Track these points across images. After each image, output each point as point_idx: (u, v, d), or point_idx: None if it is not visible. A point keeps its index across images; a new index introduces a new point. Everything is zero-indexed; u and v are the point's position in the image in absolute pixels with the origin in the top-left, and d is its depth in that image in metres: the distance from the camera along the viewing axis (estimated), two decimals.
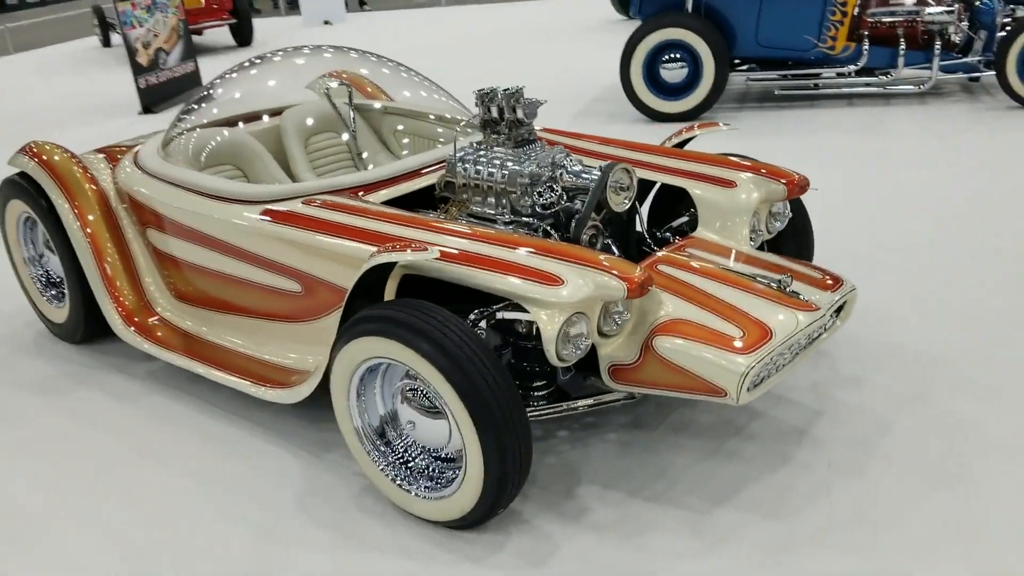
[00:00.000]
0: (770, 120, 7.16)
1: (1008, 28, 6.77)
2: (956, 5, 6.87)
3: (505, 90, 3.19)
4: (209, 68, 10.83)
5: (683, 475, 2.87)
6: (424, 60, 10.87)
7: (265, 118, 4.35)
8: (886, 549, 2.48)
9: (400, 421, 2.78)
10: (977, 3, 6.86)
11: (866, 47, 7.02)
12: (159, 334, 3.72)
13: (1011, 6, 7.13)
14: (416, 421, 2.67)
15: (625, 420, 3.18)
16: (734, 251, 3.03)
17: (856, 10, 7.03)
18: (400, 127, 4.49)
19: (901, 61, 6.96)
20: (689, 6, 7.18)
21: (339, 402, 2.80)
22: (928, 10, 6.88)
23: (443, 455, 2.72)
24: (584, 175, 3.11)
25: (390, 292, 2.76)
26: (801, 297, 2.73)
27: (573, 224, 3.04)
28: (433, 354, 2.43)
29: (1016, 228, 4.63)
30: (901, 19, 7.00)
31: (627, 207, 3.11)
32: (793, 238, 3.43)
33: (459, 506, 2.60)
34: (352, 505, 2.88)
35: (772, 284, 2.76)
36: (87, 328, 4.05)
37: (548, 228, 3.10)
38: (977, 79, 7.41)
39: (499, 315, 2.65)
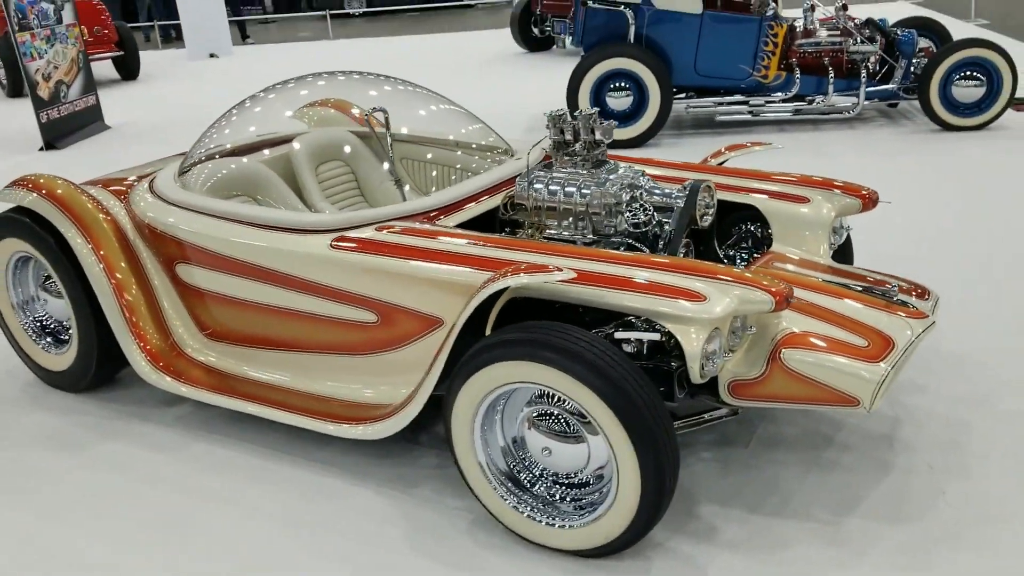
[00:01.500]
0: (709, 145, 7.39)
1: (925, 57, 7.27)
2: (879, 37, 7.34)
3: (581, 112, 3.18)
4: (104, 103, 10.29)
5: (794, 488, 2.90)
6: None
7: (266, 149, 4.19)
8: (1018, 545, 2.58)
9: (528, 449, 2.69)
10: (897, 35, 7.33)
11: (797, 76, 7.37)
12: (194, 375, 3.48)
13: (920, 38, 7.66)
14: (552, 447, 2.60)
15: (712, 438, 3.19)
16: (822, 264, 3.11)
17: (785, 41, 7.39)
18: (407, 156, 4.40)
19: (831, 88, 7.35)
20: (631, 37, 7.36)
21: (462, 435, 2.68)
22: (852, 42, 7.30)
23: (578, 480, 2.65)
24: (667, 194, 3.13)
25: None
26: (910, 305, 2.82)
27: (663, 242, 3.05)
28: (587, 375, 2.38)
29: (1008, 232, 4.95)
30: (825, 49, 7.40)
31: (708, 224, 3.15)
32: (840, 249, 3.54)
33: (604, 532, 2.54)
34: (467, 540, 2.77)
35: (879, 294, 2.84)
36: (97, 375, 3.76)
37: (634, 247, 3.09)
38: (895, 104, 7.90)
39: (632, 334, 2.61)
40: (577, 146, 3.20)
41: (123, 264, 3.55)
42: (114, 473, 3.27)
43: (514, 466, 2.72)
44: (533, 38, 13.05)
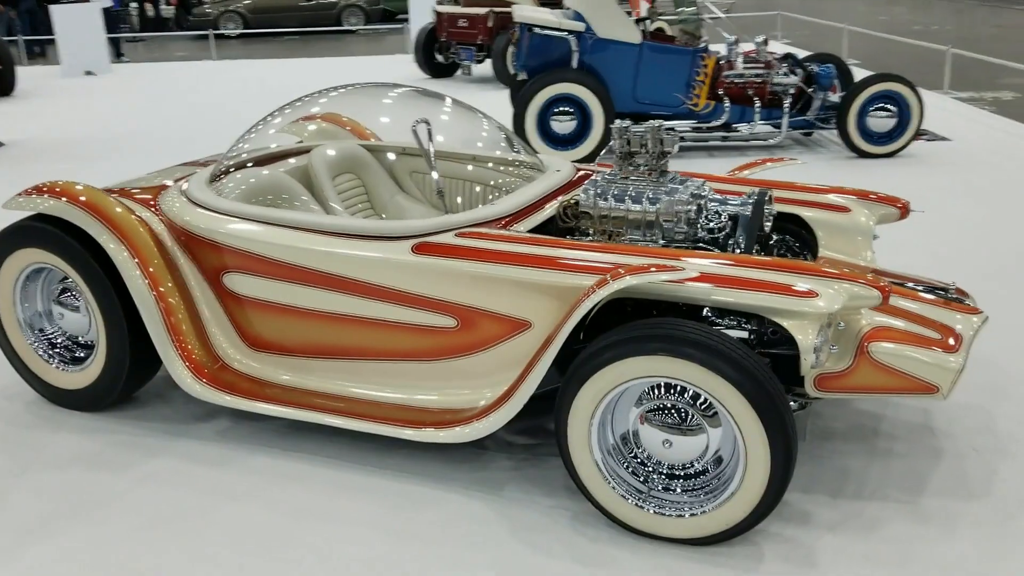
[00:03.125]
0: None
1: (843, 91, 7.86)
2: (798, 71, 7.87)
3: (649, 124, 3.33)
4: None
5: (864, 475, 3.11)
6: (214, 113, 10.53)
7: (286, 159, 4.15)
8: None
9: (643, 444, 2.78)
10: (815, 69, 7.87)
11: (727, 105, 7.80)
12: (244, 387, 3.39)
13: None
14: (672, 440, 2.70)
15: None
16: (869, 268, 3.35)
17: (713, 73, 7.83)
18: (416, 170, 4.43)
19: (757, 117, 7.81)
20: (574, 63, 7.61)
21: (578, 431, 2.75)
22: (776, 76, 7.80)
23: (693, 471, 2.76)
24: (731, 203, 3.31)
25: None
26: (967, 302, 3.10)
27: (734, 249, 3.22)
28: (726, 368, 2.51)
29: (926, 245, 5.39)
30: (750, 81, 7.87)
31: (768, 230, 3.36)
32: None
33: (725, 519, 2.66)
34: (579, 537, 2.83)
35: (938, 293, 3.11)
36: (123, 390, 3.59)
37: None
38: (810, 133, 8.46)
39: (744, 330, 2.76)
40: (642, 156, 3.34)
41: (164, 273, 3.43)
42: (179, 489, 3.15)
43: (624, 461, 2.81)
44: (436, 64, 13.16)
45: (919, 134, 7.79)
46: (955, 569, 2.65)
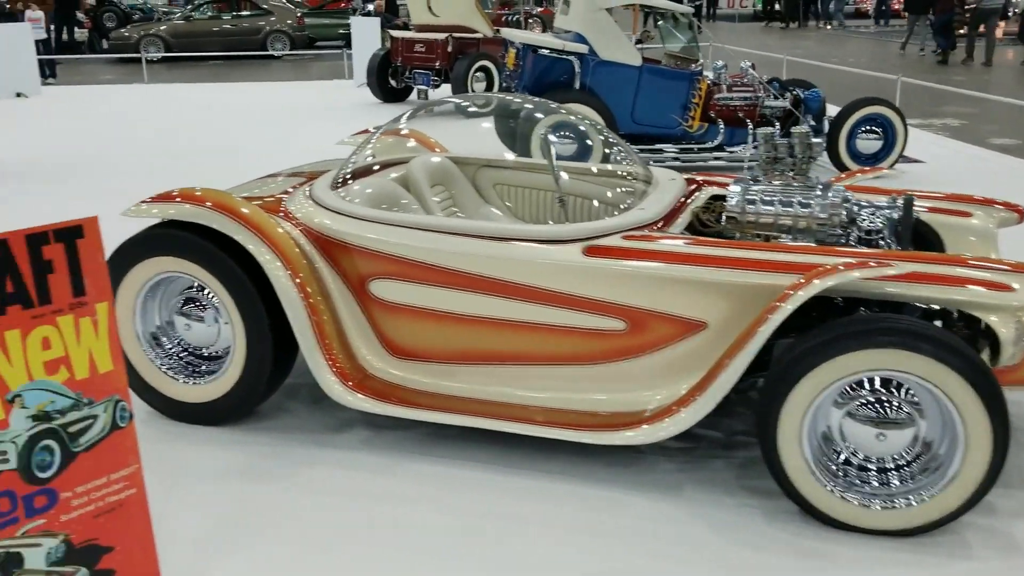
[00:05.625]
0: None
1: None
2: (787, 94, 8.18)
3: (795, 130, 3.43)
4: None
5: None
6: (158, 134, 10.24)
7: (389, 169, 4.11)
8: None
9: (847, 438, 2.84)
10: (805, 94, 8.19)
11: (722, 127, 8.04)
12: (396, 394, 3.31)
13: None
14: (887, 434, 2.77)
15: None
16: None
17: (706, 95, 8.07)
18: (500, 182, 4.44)
19: (750, 139, 8.07)
20: (577, 84, 7.72)
21: (789, 430, 2.79)
22: (767, 100, 8.08)
23: (904, 462, 2.84)
24: (878, 206, 3.44)
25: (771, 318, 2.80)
26: None
27: (890, 249, 3.34)
28: (954, 359, 2.61)
29: None
30: (740, 104, 8.14)
31: None
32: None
33: (939, 508, 2.75)
34: (779, 532, 2.88)
35: None
36: (255, 402, 3.47)
37: None
38: None
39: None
40: (789, 162, 3.44)
41: (311, 280, 3.33)
42: (351, 497, 3.06)
43: (829, 456, 2.87)
44: (389, 88, 13.10)
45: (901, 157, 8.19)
46: None
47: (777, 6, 30.12)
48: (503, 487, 3.12)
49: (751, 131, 8.05)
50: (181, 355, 3.57)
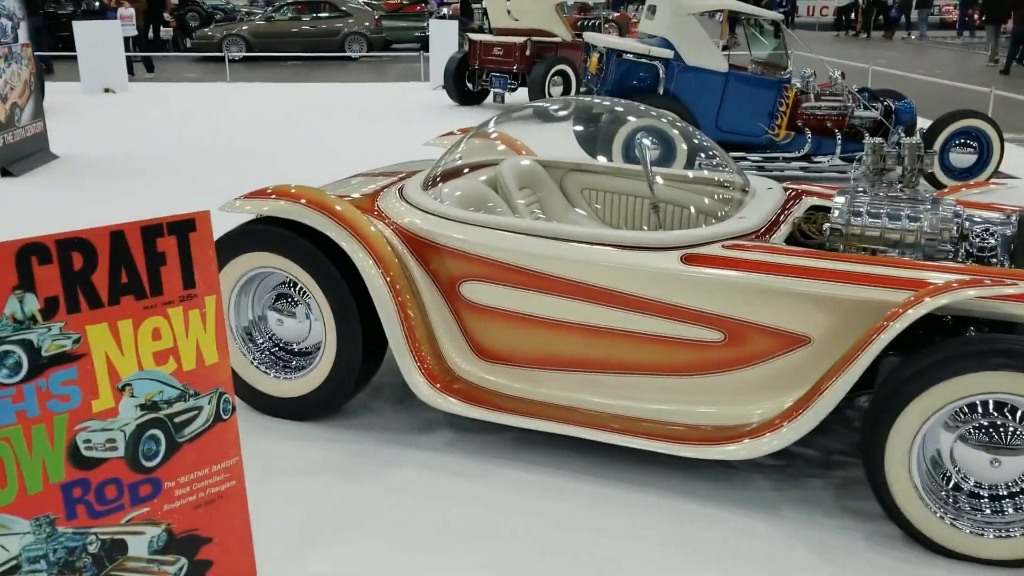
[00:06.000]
0: None
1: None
2: (878, 104, 7.97)
3: (905, 140, 3.31)
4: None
5: None
6: (246, 131, 10.41)
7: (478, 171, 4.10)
8: None
9: (958, 463, 2.72)
10: (897, 105, 7.97)
11: (809, 136, 7.86)
12: (483, 397, 3.28)
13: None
14: (1002, 460, 2.65)
15: None
16: None
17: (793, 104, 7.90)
18: (587, 187, 4.39)
19: (838, 149, 7.88)
20: (660, 90, 7.63)
21: (898, 452, 2.68)
22: (857, 110, 7.88)
23: (1016, 491, 2.71)
24: (991, 221, 3.30)
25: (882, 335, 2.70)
26: None
27: (998, 266, 3.20)
28: None
29: None
30: (829, 113, 7.95)
31: None
32: None
33: None
34: (883, 558, 2.78)
35: None
36: (343, 399, 3.48)
37: None
38: None
39: None
40: (896, 174, 3.33)
41: (402, 280, 3.32)
42: (437, 499, 3.03)
43: (937, 481, 2.75)
44: (466, 91, 13.14)
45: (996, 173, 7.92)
46: None
47: (853, 15, 29.50)
48: (592, 497, 3.06)
49: (839, 142, 7.86)
50: (272, 350, 3.59)
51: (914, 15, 27.16)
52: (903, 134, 7.73)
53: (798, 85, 8.06)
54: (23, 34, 8.63)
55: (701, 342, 3.08)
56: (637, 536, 2.85)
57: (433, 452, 3.33)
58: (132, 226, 2.15)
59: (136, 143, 9.98)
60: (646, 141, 3.90)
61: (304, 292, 3.45)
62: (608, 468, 3.22)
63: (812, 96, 7.98)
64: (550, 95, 11.97)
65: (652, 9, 8.08)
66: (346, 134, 10.53)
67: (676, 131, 4.23)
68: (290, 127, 11.11)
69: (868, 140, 3.38)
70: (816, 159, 7.98)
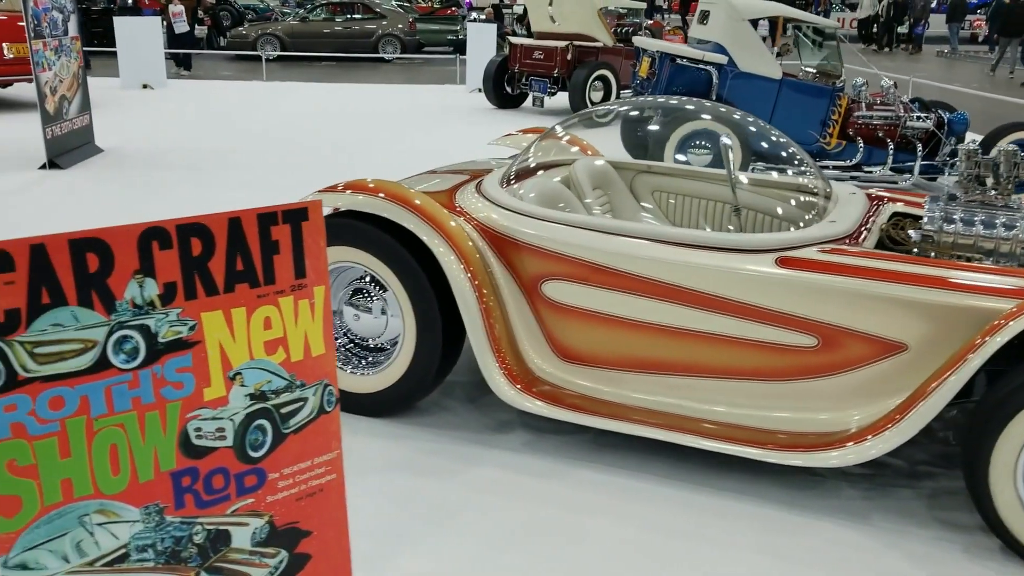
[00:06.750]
0: None
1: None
2: (931, 115, 7.88)
3: (1001, 147, 3.25)
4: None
5: None
6: (287, 130, 10.44)
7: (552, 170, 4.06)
8: None
9: None
10: (950, 116, 7.88)
11: (861, 146, 7.78)
12: (565, 398, 3.24)
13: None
14: None
15: None
16: None
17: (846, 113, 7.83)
18: (658, 189, 4.35)
19: (890, 159, 7.80)
20: (713, 96, 7.57)
21: (1003, 463, 2.62)
22: (910, 119, 7.80)
23: None
24: None
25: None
26: None
27: None
28: None
29: None
30: (880, 123, 7.87)
31: None
32: None
33: None
34: (985, 571, 2.70)
35: None
36: (419, 396, 3.45)
37: None
38: (935, 179, 8.46)
39: None
40: (991, 181, 3.26)
41: (484, 278, 3.29)
42: (517, 499, 2.99)
43: None
44: (505, 94, 13.12)
45: None
46: None
47: (875, 28, 29.28)
48: (678, 501, 3.01)
49: (891, 152, 7.78)
50: (347, 345, 3.56)
51: (943, 28, 26.97)
52: (955, 144, 7.67)
53: (850, 94, 8.00)
54: (72, 27, 8.67)
55: (793, 347, 3.02)
56: (732, 544, 2.80)
57: (512, 452, 3.29)
58: (249, 213, 2.12)
59: (179, 139, 10.02)
60: (728, 142, 3.84)
61: (381, 287, 3.42)
62: (688, 473, 3.17)
63: (864, 105, 7.90)
64: (590, 100, 11.93)
65: (704, 15, 8.03)
66: (390, 135, 10.53)
67: (760, 131, 4.17)
68: (332, 126, 11.12)
69: (963, 147, 3.31)
70: (867, 168, 7.90)
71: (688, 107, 4.89)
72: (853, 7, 32.94)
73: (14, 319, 1.82)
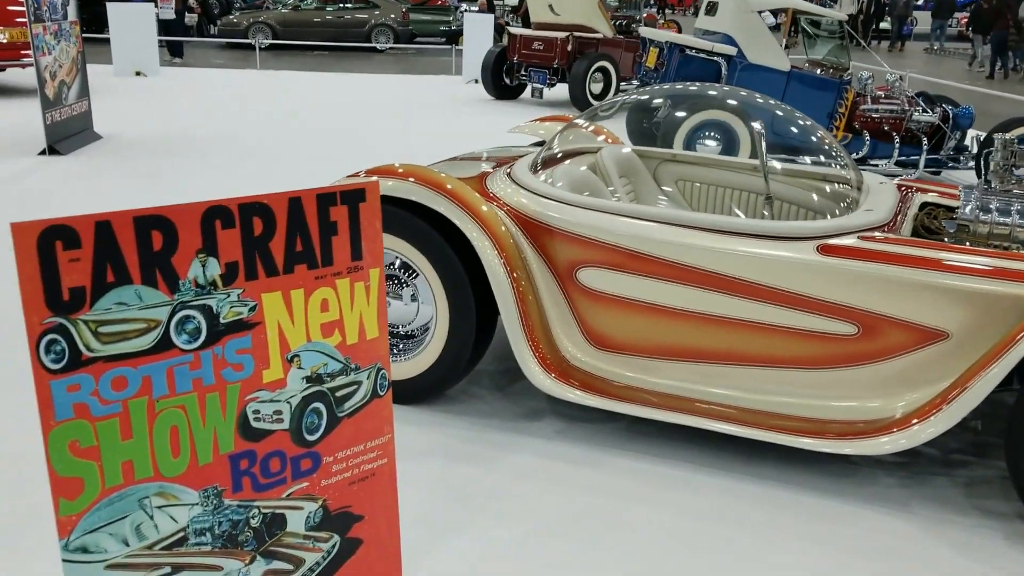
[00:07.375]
0: None
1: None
2: (936, 109, 7.90)
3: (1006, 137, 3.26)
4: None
5: None
6: (281, 117, 10.39)
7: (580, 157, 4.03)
8: None
9: None
10: (955, 110, 7.90)
11: (867, 138, 7.79)
12: (599, 386, 3.22)
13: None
14: None
15: None
16: None
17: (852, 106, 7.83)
18: (682, 178, 4.33)
19: (896, 153, 7.81)
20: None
21: None
22: (916, 113, 7.81)
23: None
24: None
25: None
26: None
27: None
28: None
29: None
30: (886, 116, 7.88)
31: None
32: None
33: None
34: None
35: None
36: (451, 383, 3.42)
37: None
38: (939, 172, 8.50)
39: None
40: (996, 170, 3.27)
41: (518, 264, 3.26)
42: (559, 486, 2.97)
43: None
44: (503, 85, 13.08)
45: None
46: None
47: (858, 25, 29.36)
48: (714, 488, 3.00)
49: (897, 145, 7.80)
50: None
51: (926, 26, 27.13)
52: (960, 134, 7.69)
53: (856, 87, 8.00)
54: (72, 11, 8.56)
55: (833, 335, 3.01)
56: (776, 529, 2.79)
57: (545, 440, 3.27)
58: (308, 193, 2.08)
59: (177, 126, 9.93)
60: (760, 128, 3.82)
61: (412, 273, 3.38)
62: (723, 461, 3.16)
63: (870, 98, 7.91)
64: (590, 92, 11.90)
65: (712, 6, 8.02)
66: (393, 125, 10.46)
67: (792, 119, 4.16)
68: (330, 115, 11.05)
69: (999, 136, 3.31)
70: (872, 162, 7.91)
71: (711, 93, 4.84)
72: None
73: (79, 297, 1.78)
